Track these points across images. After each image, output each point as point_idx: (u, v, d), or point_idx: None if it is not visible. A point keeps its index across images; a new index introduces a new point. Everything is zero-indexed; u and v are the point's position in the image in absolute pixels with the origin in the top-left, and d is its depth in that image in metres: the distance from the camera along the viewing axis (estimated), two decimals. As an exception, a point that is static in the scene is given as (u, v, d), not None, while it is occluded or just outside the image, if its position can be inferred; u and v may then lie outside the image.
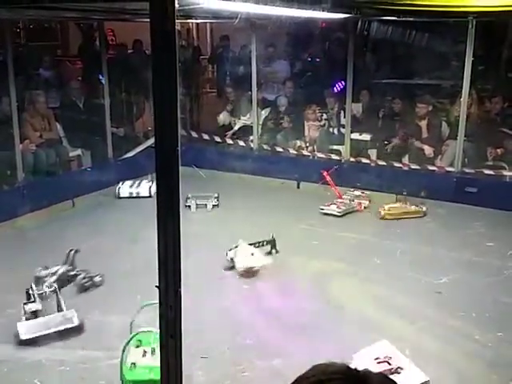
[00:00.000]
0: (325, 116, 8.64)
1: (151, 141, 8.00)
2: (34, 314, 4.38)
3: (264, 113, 9.03)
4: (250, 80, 8.62)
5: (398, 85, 8.54)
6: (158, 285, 2.04)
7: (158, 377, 2.98)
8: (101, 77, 8.30)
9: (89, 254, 5.72)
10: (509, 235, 6.28)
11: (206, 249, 5.67)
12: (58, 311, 4.46)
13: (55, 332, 4.21)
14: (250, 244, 5.51)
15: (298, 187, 8.12)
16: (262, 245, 5.67)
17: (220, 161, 8.47)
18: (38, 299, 4.48)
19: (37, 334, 4.14)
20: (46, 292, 4.60)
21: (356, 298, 4.92)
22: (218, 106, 9.60)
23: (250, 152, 8.74)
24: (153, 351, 3.38)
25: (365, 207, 7.20)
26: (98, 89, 8.42)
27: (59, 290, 4.64)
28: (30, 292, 4.53)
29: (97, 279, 5.09)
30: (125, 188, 7.63)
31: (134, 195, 7.51)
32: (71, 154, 8.01)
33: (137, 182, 7.71)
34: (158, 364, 2.67)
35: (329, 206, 7.05)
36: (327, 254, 5.85)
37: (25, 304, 4.43)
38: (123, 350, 3.37)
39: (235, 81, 9.52)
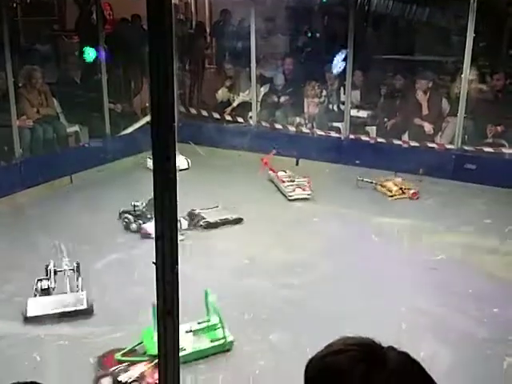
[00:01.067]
0: (324, 92, 8.58)
1: (149, 117, 7.93)
2: (46, 292, 4.31)
3: (263, 89, 8.96)
4: (249, 56, 8.53)
5: (399, 61, 8.45)
6: (154, 261, 2.04)
7: (151, 351, 3.40)
8: (98, 52, 8.21)
9: (88, 230, 5.75)
10: (507, 212, 6.30)
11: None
12: (75, 291, 4.37)
13: (63, 312, 4.16)
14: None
15: (297, 164, 8.10)
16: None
17: (218, 137, 8.42)
18: (53, 277, 4.41)
19: (43, 313, 4.11)
20: (65, 270, 4.51)
21: (352, 273, 4.94)
22: (217, 82, 9.52)
23: (249, 129, 8.70)
24: (199, 332, 3.78)
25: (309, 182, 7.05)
26: (95, 64, 8.33)
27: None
28: (49, 268, 4.44)
29: None
30: None
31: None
32: (69, 130, 7.95)
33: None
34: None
35: (294, 191, 6.88)
36: (325, 231, 5.88)
37: (39, 280, 4.37)
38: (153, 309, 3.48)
39: (234, 57, 9.42)
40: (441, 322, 4.19)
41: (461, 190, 6.98)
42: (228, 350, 3.87)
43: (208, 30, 11.84)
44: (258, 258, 5.20)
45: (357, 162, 7.71)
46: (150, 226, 5.58)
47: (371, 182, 7.02)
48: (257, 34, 8.48)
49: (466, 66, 7.17)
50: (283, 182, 7.06)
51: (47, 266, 4.45)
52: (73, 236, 5.61)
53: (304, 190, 6.86)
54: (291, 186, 6.94)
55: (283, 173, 7.26)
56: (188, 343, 3.75)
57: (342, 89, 8.38)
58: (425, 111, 7.78)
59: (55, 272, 4.44)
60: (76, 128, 8.07)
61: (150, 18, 1.83)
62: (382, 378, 0.94)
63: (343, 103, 8.28)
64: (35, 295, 4.28)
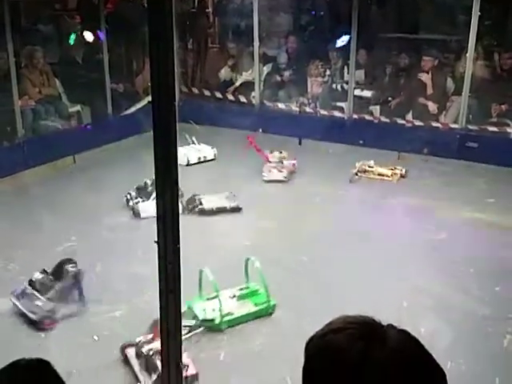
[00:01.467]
0: (328, 72, 8.51)
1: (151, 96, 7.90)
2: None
3: (266, 68, 8.90)
4: (252, 34, 8.46)
5: (404, 39, 8.35)
6: (157, 240, 2.06)
7: (201, 315, 3.83)
8: (99, 32, 8.16)
9: (91, 210, 5.78)
10: (510, 192, 6.28)
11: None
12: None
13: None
14: None
15: (300, 144, 8.08)
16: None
17: (221, 117, 8.39)
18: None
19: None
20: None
21: (354, 252, 4.96)
22: (220, 62, 9.45)
23: (252, 108, 8.66)
24: (243, 297, 4.06)
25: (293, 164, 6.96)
26: (97, 44, 8.28)
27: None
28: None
29: None
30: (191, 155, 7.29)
31: (202, 160, 7.33)
32: (71, 110, 7.94)
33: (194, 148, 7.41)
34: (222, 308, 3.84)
35: (270, 172, 6.74)
36: (330, 211, 5.89)
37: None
38: (199, 280, 3.96)
39: (237, 35, 9.34)
40: (442, 300, 4.22)
41: (464, 170, 6.96)
42: (271, 314, 4.07)
43: (211, 9, 11.72)
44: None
45: (360, 141, 7.68)
46: (142, 206, 5.61)
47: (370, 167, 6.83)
48: (260, 12, 8.39)
49: (471, 44, 7.09)
50: (269, 162, 6.92)
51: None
52: (76, 215, 5.65)
53: (280, 171, 6.70)
54: (271, 167, 6.81)
55: (277, 153, 7.12)
56: (233, 308, 4.01)
57: (345, 68, 8.32)
58: (429, 91, 7.72)
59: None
60: (78, 108, 8.05)
61: (150, -4, 1.83)
62: (381, 355, 0.95)
63: (347, 82, 8.22)
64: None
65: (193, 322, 3.87)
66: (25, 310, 3.98)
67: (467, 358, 3.54)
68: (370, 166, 6.83)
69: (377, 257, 4.88)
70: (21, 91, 6.99)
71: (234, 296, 4.11)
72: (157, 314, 2.09)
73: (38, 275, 4.12)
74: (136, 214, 5.62)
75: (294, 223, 5.58)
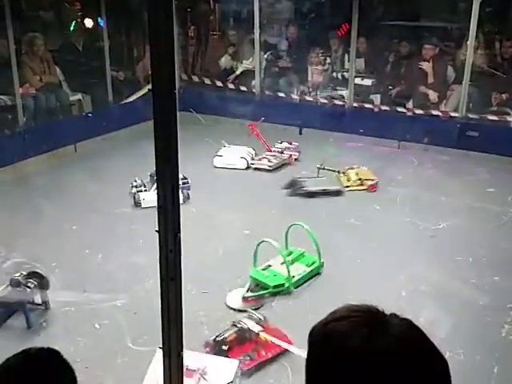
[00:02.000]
0: (328, 60, 8.49)
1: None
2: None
3: (266, 56, 8.86)
4: (252, 22, 8.42)
5: (405, 27, 8.31)
6: (157, 229, 2.07)
7: (271, 282, 4.13)
8: (100, 19, 8.12)
9: (92, 199, 5.79)
10: (510, 181, 6.30)
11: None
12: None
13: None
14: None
15: (301, 133, 8.07)
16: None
17: (221, 106, 8.37)
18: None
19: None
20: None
21: (353, 242, 4.98)
22: (220, 49, 9.41)
23: (252, 97, 8.63)
24: (292, 262, 4.32)
25: (295, 159, 7.01)
26: (98, 31, 8.24)
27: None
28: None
29: None
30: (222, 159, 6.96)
31: (230, 167, 6.87)
32: (71, 99, 7.92)
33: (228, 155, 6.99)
34: (284, 273, 4.19)
35: (260, 160, 6.86)
36: (329, 202, 5.90)
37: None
38: (255, 252, 4.22)
39: (238, 23, 9.29)
40: (441, 289, 4.23)
41: (465, 159, 6.96)
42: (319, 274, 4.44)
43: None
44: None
45: (361, 130, 7.67)
46: (144, 195, 5.61)
47: (333, 171, 6.42)
48: (260, -1, 8.34)
49: (472, 32, 7.06)
50: (270, 151, 7.05)
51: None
52: (77, 204, 5.66)
53: (269, 161, 6.82)
54: (267, 156, 6.93)
55: (279, 144, 7.20)
56: (293, 271, 4.26)
57: (346, 56, 8.29)
58: (430, 79, 7.70)
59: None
60: (79, 96, 8.03)
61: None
62: (384, 342, 0.95)
63: (347, 71, 8.20)
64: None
65: (259, 292, 4.13)
66: None
67: (466, 347, 3.56)
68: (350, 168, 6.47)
69: (376, 246, 4.90)
70: (21, 79, 6.97)
71: (284, 262, 4.31)
72: (158, 302, 2.10)
73: (16, 275, 3.86)
74: (137, 203, 5.63)
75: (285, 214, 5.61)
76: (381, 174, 6.46)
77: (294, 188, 6.05)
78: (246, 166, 6.85)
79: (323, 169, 6.41)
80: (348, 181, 6.27)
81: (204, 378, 3.21)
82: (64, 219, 5.32)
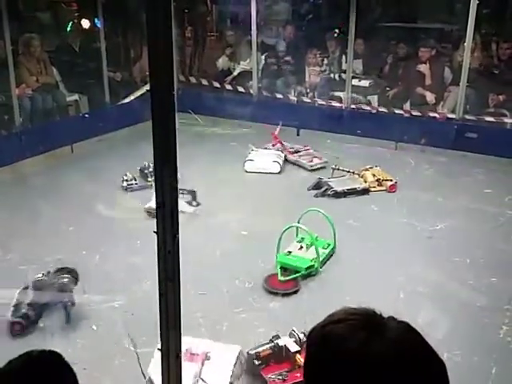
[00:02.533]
0: (326, 61, 8.49)
1: (149, 85, 7.87)
2: None
3: (264, 58, 8.86)
4: (250, 23, 8.41)
5: (402, 29, 8.33)
6: (155, 230, 2.06)
7: (303, 265, 4.39)
8: (96, 20, 8.11)
9: (89, 200, 5.78)
10: (507, 182, 6.31)
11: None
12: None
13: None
14: None
15: (298, 134, 8.07)
16: (182, 193, 5.46)
17: (219, 107, 8.36)
18: None
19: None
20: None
21: (351, 243, 4.97)
22: (218, 50, 9.41)
23: (250, 98, 8.63)
24: (308, 247, 4.62)
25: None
26: (94, 32, 8.23)
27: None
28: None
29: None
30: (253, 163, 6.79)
31: (263, 171, 6.70)
32: (68, 99, 7.91)
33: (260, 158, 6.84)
34: (307, 256, 4.53)
35: (300, 157, 6.93)
36: (327, 204, 5.90)
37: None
38: (279, 239, 4.49)
39: (235, 24, 9.29)
40: (439, 290, 4.24)
41: (462, 160, 6.97)
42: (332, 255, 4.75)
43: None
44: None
45: (358, 131, 7.68)
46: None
47: (348, 171, 6.38)
48: (258, 0, 8.34)
49: (469, 33, 7.07)
50: (291, 153, 7.11)
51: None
52: (74, 205, 5.65)
53: (310, 161, 6.89)
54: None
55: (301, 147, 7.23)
56: (312, 254, 4.54)
57: (343, 57, 8.30)
58: (428, 81, 7.71)
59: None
60: (76, 97, 8.02)
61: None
62: (381, 345, 0.96)
63: (345, 72, 8.20)
64: None
65: (293, 275, 4.37)
66: (11, 307, 3.79)
67: (464, 348, 3.56)
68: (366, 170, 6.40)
69: (374, 246, 4.90)
70: (18, 79, 6.95)
71: (302, 247, 4.67)
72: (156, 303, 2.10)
73: (39, 276, 3.89)
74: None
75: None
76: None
77: (322, 189, 6.05)
78: (279, 169, 6.71)
79: (338, 169, 6.43)
80: (365, 182, 6.19)
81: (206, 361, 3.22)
82: (61, 220, 5.31)
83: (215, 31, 10.99)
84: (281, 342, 3.41)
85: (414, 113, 7.70)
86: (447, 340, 3.51)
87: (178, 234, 2.06)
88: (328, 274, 4.51)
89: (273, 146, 7.17)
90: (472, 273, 4.48)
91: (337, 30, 8.45)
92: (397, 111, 7.81)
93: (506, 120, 7.27)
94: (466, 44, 7.17)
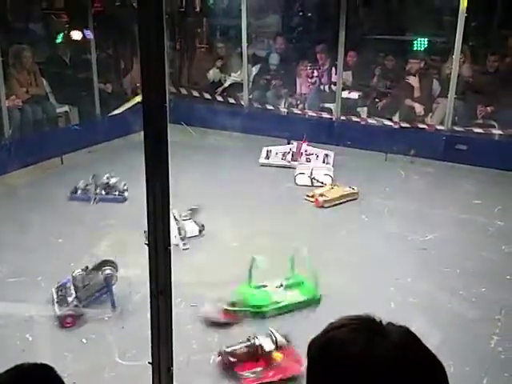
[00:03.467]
0: (316, 73, 8.55)
1: (140, 97, 7.88)
2: None
3: (255, 69, 8.91)
4: (240, 35, 8.46)
5: (391, 41, 8.41)
6: (147, 242, 2.05)
7: (254, 302, 4.03)
8: (87, 31, 8.12)
9: (79, 212, 5.75)
10: (496, 193, 6.36)
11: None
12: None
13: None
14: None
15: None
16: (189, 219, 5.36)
17: (210, 118, 8.38)
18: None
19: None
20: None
21: (341, 254, 4.98)
22: (208, 62, 9.44)
23: (241, 109, 8.66)
24: (289, 287, 4.20)
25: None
26: (85, 43, 8.23)
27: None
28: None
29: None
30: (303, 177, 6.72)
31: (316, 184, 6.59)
32: (58, 111, 7.89)
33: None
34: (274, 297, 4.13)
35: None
36: (317, 214, 5.91)
37: None
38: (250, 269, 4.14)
39: (226, 35, 9.34)
40: (429, 301, 4.25)
41: (451, 171, 7.02)
42: (318, 303, 4.20)
43: (199, 9, 11.70)
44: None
45: (348, 142, 7.72)
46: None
47: (322, 183, 6.54)
48: (248, 12, 8.40)
49: (457, 46, 7.15)
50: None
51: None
52: (63, 217, 5.62)
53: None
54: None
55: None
56: (281, 297, 4.16)
57: (333, 69, 8.36)
58: (417, 94, 7.78)
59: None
60: (66, 108, 8.01)
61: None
62: (384, 348, 0.97)
63: (335, 84, 8.26)
64: None
65: (239, 308, 4.04)
66: (55, 304, 3.99)
67: (455, 358, 3.54)
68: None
69: (364, 257, 4.91)
70: (8, 91, 6.93)
71: (281, 285, 4.27)
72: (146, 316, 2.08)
73: (78, 271, 4.10)
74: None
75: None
76: (368, 185, 6.50)
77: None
78: (331, 182, 6.58)
79: (314, 179, 6.51)
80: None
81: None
82: (50, 232, 5.27)
83: (206, 43, 11.03)
84: (257, 342, 3.53)
85: (403, 124, 7.75)
86: (439, 350, 3.47)
87: (169, 246, 2.05)
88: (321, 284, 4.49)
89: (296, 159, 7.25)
90: (462, 283, 4.50)
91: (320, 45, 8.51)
92: (386, 123, 7.87)
93: (495, 131, 7.34)
94: (454, 56, 7.25)
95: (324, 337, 1.03)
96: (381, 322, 1.04)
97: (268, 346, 3.50)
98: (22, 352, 3.62)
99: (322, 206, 6.03)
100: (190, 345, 3.71)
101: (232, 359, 3.46)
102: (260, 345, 3.51)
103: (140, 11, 1.86)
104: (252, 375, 3.42)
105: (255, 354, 3.51)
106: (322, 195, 6.16)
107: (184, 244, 5.05)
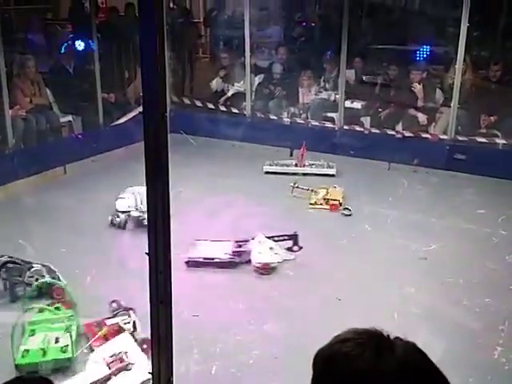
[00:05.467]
0: (319, 83, 8.57)
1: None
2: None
3: (257, 79, 8.94)
4: (243, 45, 8.50)
5: (393, 51, 8.43)
6: (147, 252, 2.04)
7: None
8: (91, 42, 8.16)
9: (82, 221, 5.75)
10: (500, 202, 6.33)
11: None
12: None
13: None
14: (269, 237, 5.08)
15: (291, 155, 8.09)
16: (283, 239, 5.16)
17: (213, 128, 8.40)
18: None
19: None
20: None
21: (343, 263, 4.96)
22: (211, 72, 9.48)
23: (243, 119, 8.68)
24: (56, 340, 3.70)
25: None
26: (88, 53, 8.28)
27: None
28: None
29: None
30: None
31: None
32: (62, 120, 7.91)
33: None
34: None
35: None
36: (320, 223, 5.90)
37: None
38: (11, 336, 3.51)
39: (229, 46, 9.39)
40: (432, 311, 4.22)
41: (454, 181, 7.00)
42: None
43: (202, 18, 11.79)
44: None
45: (351, 152, 7.72)
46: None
47: (307, 190, 6.40)
48: (251, 23, 8.44)
49: (460, 56, 7.17)
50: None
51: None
52: (66, 227, 5.61)
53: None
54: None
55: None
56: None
57: (337, 78, 8.37)
58: (420, 103, 7.79)
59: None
60: (69, 118, 8.03)
61: (141, 6, 1.83)
62: (390, 364, 0.96)
63: (337, 93, 8.26)
64: None
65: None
66: None
67: (459, 369, 3.53)
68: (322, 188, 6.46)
69: (367, 267, 4.89)
70: (12, 100, 6.96)
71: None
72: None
73: None
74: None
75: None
76: (371, 195, 6.49)
77: None
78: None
79: (297, 187, 6.44)
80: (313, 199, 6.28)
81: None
82: (53, 241, 5.27)
83: (209, 53, 11.10)
84: None
85: (407, 133, 7.75)
86: (442, 361, 3.44)
87: (170, 254, 2.05)
88: (322, 293, 4.47)
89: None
90: (466, 293, 4.47)
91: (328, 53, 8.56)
92: (389, 132, 7.87)
93: (498, 141, 7.33)
94: (457, 66, 7.26)
95: (330, 349, 1.02)
96: (388, 336, 1.02)
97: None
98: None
99: (338, 209, 6.06)
100: (192, 355, 3.69)
101: None
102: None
103: (141, 21, 1.87)
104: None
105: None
106: (327, 199, 6.18)
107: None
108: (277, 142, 8.01)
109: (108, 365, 3.40)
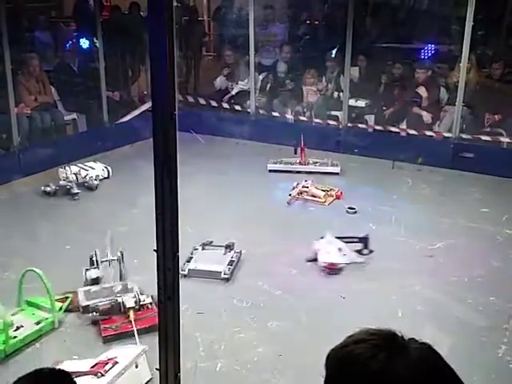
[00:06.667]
0: (323, 81, 8.58)
1: (147, 105, 7.94)
2: (95, 281, 4.34)
3: (262, 77, 8.94)
4: (247, 44, 8.50)
5: (398, 49, 8.42)
6: (155, 249, 2.06)
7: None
8: (95, 39, 8.18)
9: (87, 219, 5.77)
10: (504, 201, 6.32)
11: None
12: (120, 280, 4.37)
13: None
14: (339, 238, 5.07)
15: (296, 153, 8.08)
16: (353, 241, 5.11)
17: (216, 126, 8.41)
18: (100, 266, 4.41)
19: (94, 302, 4.02)
20: (109, 260, 4.44)
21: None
22: (215, 70, 9.49)
23: (247, 117, 8.68)
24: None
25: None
26: (93, 51, 8.30)
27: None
28: (94, 258, 4.43)
29: None
30: None
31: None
32: (66, 118, 7.94)
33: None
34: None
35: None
36: (325, 221, 5.90)
37: (87, 270, 4.38)
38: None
39: (234, 44, 9.39)
40: (437, 309, 4.23)
41: (458, 179, 7.00)
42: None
43: (207, 17, 11.79)
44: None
45: (355, 150, 7.72)
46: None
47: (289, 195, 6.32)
48: (255, 21, 8.44)
49: (465, 54, 7.15)
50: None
51: (91, 256, 4.45)
52: (71, 224, 5.63)
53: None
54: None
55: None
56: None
57: (341, 76, 8.37)
58: (425, 103, 7.78)
59: (102, 262, 4.44)
60: (74, 116, 8.06)
61: (150, 4, 1.84)
62: (404, 366, 0.94)
63: (342, 91, 8.27)
64: (87, 285, 4.31)
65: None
66: None
67: (463, 368, 3.49)
68: (304, 187, 6.46)
69: (372, 265, 4.89)
70: (17, 98, 6.98)
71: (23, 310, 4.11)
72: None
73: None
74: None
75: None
76: (376, 193, 6.50)
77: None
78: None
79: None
80: (319, 198, 6.29)
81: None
82: (58, 238, 5.29)
83: (213, 51, 11.09)
84: (119, 299, 3.96)
85: (411, 132, 7.75)
86: (447, 359, 3.47)
87: (177, 251, 2.06)
88: (327, 293, 4.48)
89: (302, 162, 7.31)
90: (470, 292, 4.47)
91: (334, 51, 8.56)
92: (393, 130, 7.86)
93: (502, 139, 7.32)
94: (461, 64, 7.25)
95: (342, 351, 1.00)
96: (402, 337, 1.01)
97: (129, 303, 3.93)
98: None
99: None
100: (198, 352, 3.71)
101: (95, 314, 3.89)
102: (122, 301, 3.94)
103: (150, 21, 1.87)
104: (112, 327, 3.83)
105: (118, 311, 3.93)
106: (326, 191, 6.38)
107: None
108: (280, 140, 8.01)
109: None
